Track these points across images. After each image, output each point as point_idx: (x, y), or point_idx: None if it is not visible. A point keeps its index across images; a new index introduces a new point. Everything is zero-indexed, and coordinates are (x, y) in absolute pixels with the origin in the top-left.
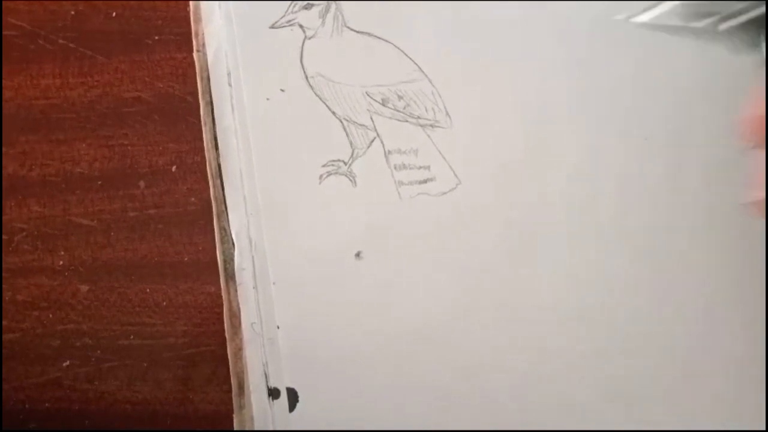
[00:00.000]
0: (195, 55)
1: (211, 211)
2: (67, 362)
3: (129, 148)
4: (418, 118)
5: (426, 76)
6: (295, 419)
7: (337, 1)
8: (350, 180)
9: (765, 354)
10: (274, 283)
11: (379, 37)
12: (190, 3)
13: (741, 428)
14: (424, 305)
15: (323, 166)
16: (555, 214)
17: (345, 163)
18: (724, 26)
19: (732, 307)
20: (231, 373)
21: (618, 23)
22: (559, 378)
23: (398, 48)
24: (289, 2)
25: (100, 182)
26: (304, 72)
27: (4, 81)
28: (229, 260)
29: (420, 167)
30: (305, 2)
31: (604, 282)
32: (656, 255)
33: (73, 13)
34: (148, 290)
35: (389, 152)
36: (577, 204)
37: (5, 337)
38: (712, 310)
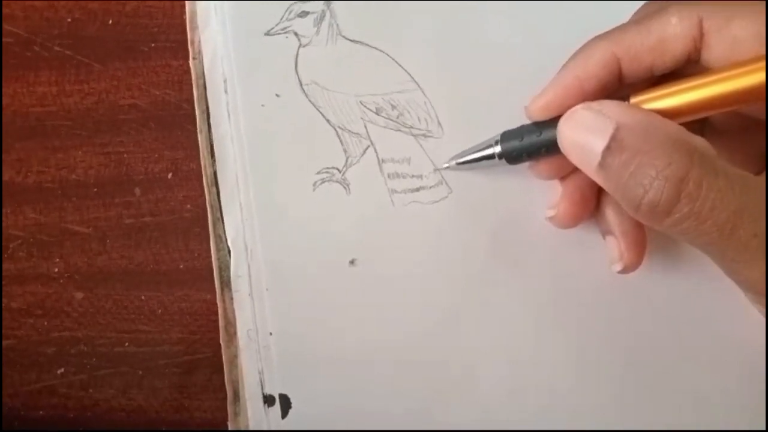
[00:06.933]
0: (191, 62)
1: (207, 219)
2: (62, 369)
3: (125, 155)
4: (411, 127)
5: (419, 86)
6: (288, 426)
7: (332, 10)
8: (344, 187)
9: (765, 354)
10: (267, 290)
11: (373, 47)
12: (186, 10)
13: (741, 428)
14: (417, 312)
15: (317, 173)
16: (546, 222)
17: (339, 171)
18: None
19: (731, 306)
20: (226, 381)
21: None
22: (554, 383)
23: (392, 58)
24: (285, 10)
25: (95, 189)
26: (299, 79)
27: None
28: (224, 267)
29: (412, 176)
30: (300, 10)
31: (596, 288)
32: (652, 255)
33: (69, 20)
34: (143, 297)
35: (383, 160)
36: None
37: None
38: (711, 310)
